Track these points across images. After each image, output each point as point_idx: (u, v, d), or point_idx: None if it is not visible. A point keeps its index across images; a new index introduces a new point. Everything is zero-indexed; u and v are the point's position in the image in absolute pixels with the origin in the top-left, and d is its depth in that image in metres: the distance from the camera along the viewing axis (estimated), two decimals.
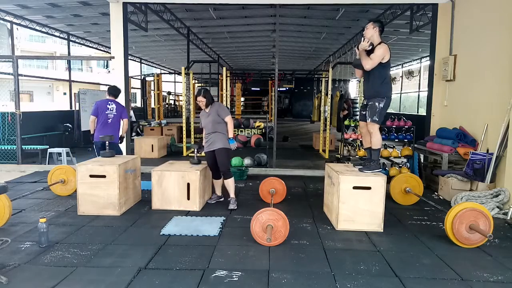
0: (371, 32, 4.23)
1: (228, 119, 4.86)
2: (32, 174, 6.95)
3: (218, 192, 5.19)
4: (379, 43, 4.21)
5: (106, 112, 5.63)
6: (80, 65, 37.41)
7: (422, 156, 6.90)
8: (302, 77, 25.87)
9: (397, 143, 7.37)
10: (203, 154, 8.37)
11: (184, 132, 10.02)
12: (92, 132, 5.73)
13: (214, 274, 2.96)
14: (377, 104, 4.25)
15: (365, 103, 4.45)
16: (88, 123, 10.22)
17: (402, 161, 7.04)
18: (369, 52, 4.23)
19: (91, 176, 4.45)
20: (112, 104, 5.66)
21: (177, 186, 4.69)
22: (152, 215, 4.53)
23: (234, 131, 9.82)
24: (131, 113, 10.70)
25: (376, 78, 4.24)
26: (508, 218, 4.51)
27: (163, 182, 4.70)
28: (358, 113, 15.31)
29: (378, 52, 4.14)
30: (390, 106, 4.54)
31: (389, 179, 5.23)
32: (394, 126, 6.98)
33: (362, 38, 4.27)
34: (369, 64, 4.17)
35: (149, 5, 8.20)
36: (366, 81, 4.41)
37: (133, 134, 10.09)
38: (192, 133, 9.52)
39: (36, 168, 7.42)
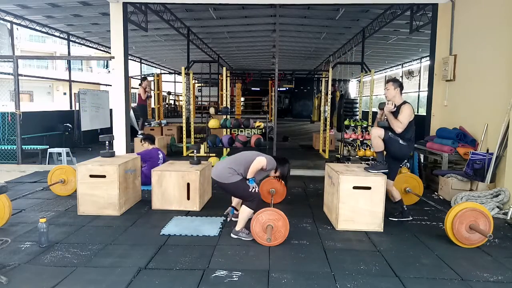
0: (393, 93, 4.31)
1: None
2: (32, 174, 6.95)
3: (234, 204, 4.31)
4: (403, 103, 4.29)
5: (158, 162, 5.91)
6: (80, 65, 37.41)
7: (422, 156, 6.90)
8: (302, 77, 25.86)
9: None
10: (203, 153, 8.40)
11: (184, 132, 10.01)
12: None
13: (214, 274, 2.96)
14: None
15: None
16: (88, 123, 10.33)
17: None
18: (394, 113, 4.30)
19: (91, 176, 4.45)
20: (160, 154, 6.11)
21: (177, 186, 4.69)
22: (152, 215, 4.53)
23: (234, 131, 9.89)
24: (131, 113, 10.69)
25: (403, 134, 4.26)
26: (508, 218, 4.51)
27: (163, 182, 4.70)
28: (358, 113, 15.26)
29: (405, 113, 4.21)
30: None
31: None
32: None
33: (386, 102, 4.34)
34: (400, 127, 4.23)
35: (149, 5, 8.19)
36: (388, 141, 4.33)
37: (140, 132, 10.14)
38: (192, 133, 9.52)
39: (36, 168, 7.42)
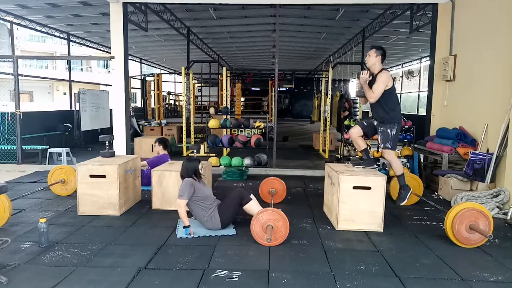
0: (373, 60, 4.17)
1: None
2: (32, 174, 6.95)
3: None
4: (380, 71, 4.13)
5: None
6: (80, 65, 37.41)
7: (422, 156, 6.90)
8: (302, 77, 25.86)
9: (397, 143, 7.35)
10: (203, 153, 8.40)
11: (184, 132, 10.02)
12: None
13: (214, 274, 2.96)
14: (389, 131, 4.21)
15: (374, 123, 4.38)
16: (88, 123, 10.33)
17: (402, 161, 7.02)
18: (371, 82, 4.17)
19: (91, 176, 4.45)
20: (169, 160, 5.79)
21: (177, 186, 4.65)
22: (152, 215, 4.53)
23: (234, 131, 9.87)
24: (131, 113, 10.69)
25: (382, 105, 4.18)
26: (508, 218, 4.51)
27: (163, 182, 4.70)
28: (358, 113, 15.34)
29: (379, 81, 4.07)
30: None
31: (389, 179, 5.23)
32: None
33: (361, 70, 4.21)
34: (372, 97, 4.13)
35: (149, 5, 8.19)
36: (372, 107, 4.34)
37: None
38: (192, 133, 9.52)
39: (36, 168, 7.42)
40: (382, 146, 4.31)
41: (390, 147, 4.25)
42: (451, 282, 2.93)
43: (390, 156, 4.32)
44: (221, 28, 12.00)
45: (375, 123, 4.37)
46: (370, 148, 4.61)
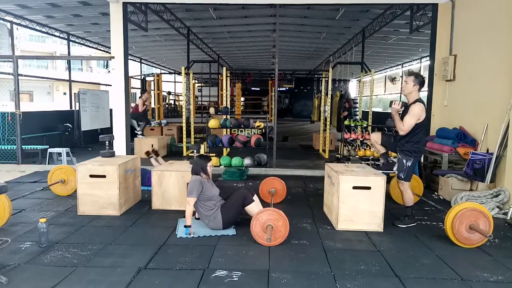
0: (410, 89, 4.00)
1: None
2: (32, 174, 6.95)
3: None
4: (414, 102, 3.98)
5: None
6: (80, 65, 37.43)
7: (422, 156, 6.90)
8: (302, 77, 25.86)
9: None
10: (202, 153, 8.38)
11: (184, 132, 10.01)
12: None
13: (214, 274, 2.96)
14: (404, 161, 4.13)
15: (395, 140, 4.28)
16: (88, 123, 10.33)
17: None
18: (404, 112, 4.06)
19: (91, 176, 4.45)
20: None
21: (177, 186, 4.69)
22: (152, 215, 4.53)
23: (234, 131, 9.87)
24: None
25: (408, 134, 4.06)
26: (508, 218, 4.51)
27: (163, 182, 4.70)
28: (358, 113, 15.21)
29: (412, 114, 3.92)
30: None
31: (389, 179, 5.23)
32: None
33: (394, 100, 4.07)
34: (402, 130, 4.00)
35: (149, 5, 8.19)
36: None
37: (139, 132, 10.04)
38: (192, 133, 9.52)
39: (36, 168, 7.42)
40: (396, 173, 4.27)
41: (402, 177, 4.15)
42: (451, 282, 2.93)
43: (402, 186, 4.24)
44: (221, 28, 12.00)
45: (395, 140, 4.30)
46: (387, 152, 4.58)
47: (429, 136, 6.94)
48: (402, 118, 4.09)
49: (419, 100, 4.04)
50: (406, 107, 4.08)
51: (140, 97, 10.33)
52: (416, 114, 3.96)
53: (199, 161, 4.09)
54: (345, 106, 12.26)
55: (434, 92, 7.08)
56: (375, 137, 4.52)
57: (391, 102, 4.15)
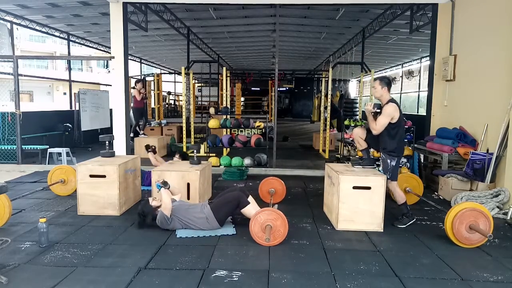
0: (379, 91, 4.13)
1: None
2: (32, 174, 6.95)
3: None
4: (387, 102, 4.09)
5: None
6: (80, 65, 37.43)
7: (422, 156, 6.90)
8: (302, 77, 25.83)
9: None
10: (203, 153, 8.40)
11: (184, 132, 10.01)
12: None
13: (214, 274, 2.96)
14: (388, 161, 4.20)
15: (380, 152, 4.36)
16: (88, 123, 10.32)
17: (402, 161, 7.02)
18: (379, 113, 4.15)
19: (91, 176, 4.45)
20: None
21: (177, 186, 4.68)
22: None
23: (234, 131, 9.87)
24: (130, 113, 10.65)
25: (385, 136, 4.15)
26: (508, 218, 4.51)
27: None
28: (358, 113, 15.19)
29: (384, 113, 4.05)
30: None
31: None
32: None
33: (370, 103, 4.19)
34: (375, 129, 4.10)
35: (149, 5, 8.19)
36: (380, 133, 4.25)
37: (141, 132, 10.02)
38: (192, 133, 9.52)
39: (36, 168, 7.42)
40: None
41: (389, 177, 4.20)
42: (451, 282, 2.93)
43: (390, 186, 4.28)
44: (221, 28, 11.99)
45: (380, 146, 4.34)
46: (370, 148, 4.59)
47: (429, 136, 6.95)
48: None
49: (391, 100, 4.16)
50: (380, 108, 4.19)
51: (133, 87, 10.10)
52: (389, 113, 4.06)
53: (146, 210, 3.98)
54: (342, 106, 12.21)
55: (434, 92, 7.08)
56: (360, 132, 4.51)
57: (367, 104, 4.32)
